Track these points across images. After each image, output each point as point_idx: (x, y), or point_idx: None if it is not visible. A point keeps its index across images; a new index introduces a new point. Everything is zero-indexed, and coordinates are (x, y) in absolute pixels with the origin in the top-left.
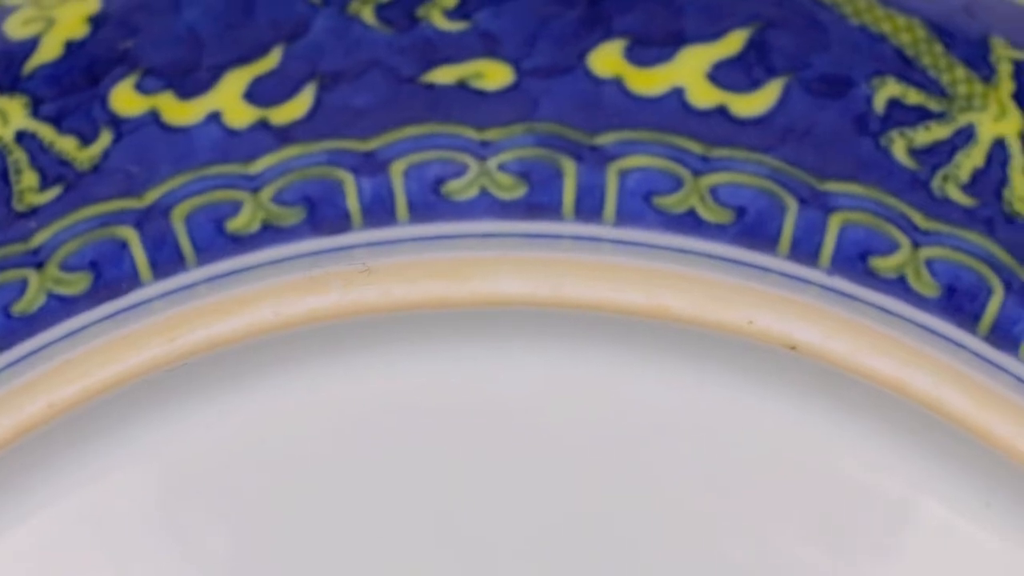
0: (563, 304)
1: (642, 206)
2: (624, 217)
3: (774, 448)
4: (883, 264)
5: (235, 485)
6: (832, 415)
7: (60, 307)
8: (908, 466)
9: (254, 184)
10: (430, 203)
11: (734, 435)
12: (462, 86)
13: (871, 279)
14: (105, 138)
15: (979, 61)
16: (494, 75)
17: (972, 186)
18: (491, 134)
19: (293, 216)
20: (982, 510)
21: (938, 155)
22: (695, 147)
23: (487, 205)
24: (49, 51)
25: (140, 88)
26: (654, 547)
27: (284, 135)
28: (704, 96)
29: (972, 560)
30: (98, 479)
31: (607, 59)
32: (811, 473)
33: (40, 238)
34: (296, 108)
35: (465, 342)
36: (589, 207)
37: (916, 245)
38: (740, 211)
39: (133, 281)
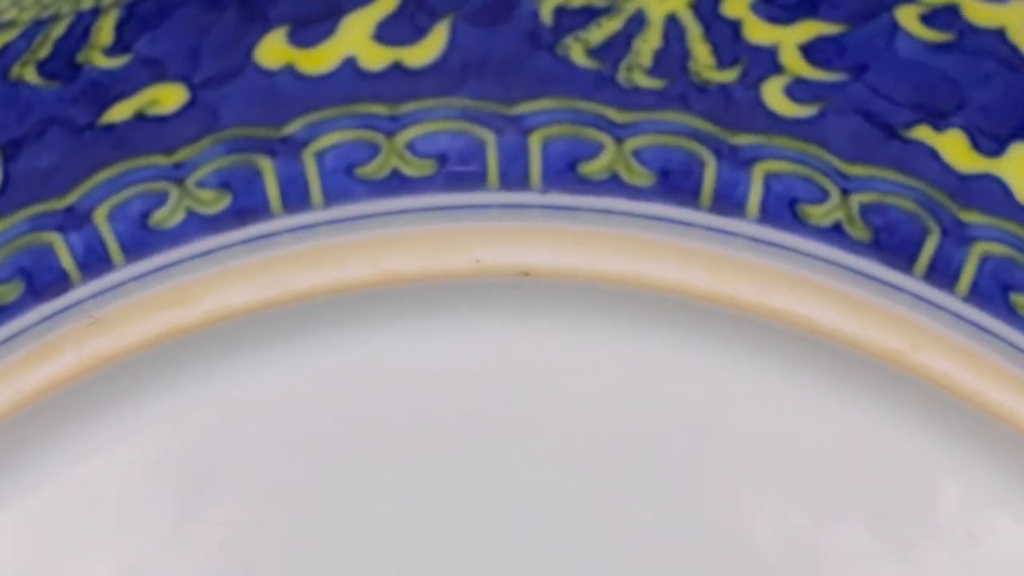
0: (291, 299)
1: (346, 181)
2: (332, 196)
3: (528, 373)
4: (592, 167)
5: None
6: (574, 329)
7: None
8: (663, 354)
9: None
10: (142, 239)
11: (487, 373)
12: (141, 117)
13: (584, 185)
14: None
15: None
16: (168, 98)
17: (657, 68)
18: (181, 155)
19: (13, 291)
20: (748, 371)
21: (616, 48)
22: (381, 109)
23: (197, 224)
24: None
25: None
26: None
27: None
28: (376, 58)
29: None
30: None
31: (273, 50)
32: (566, 387)
33: None
34: None
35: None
36: (295, 197)
37: (619, 140)
38: (441, 157)
39: None
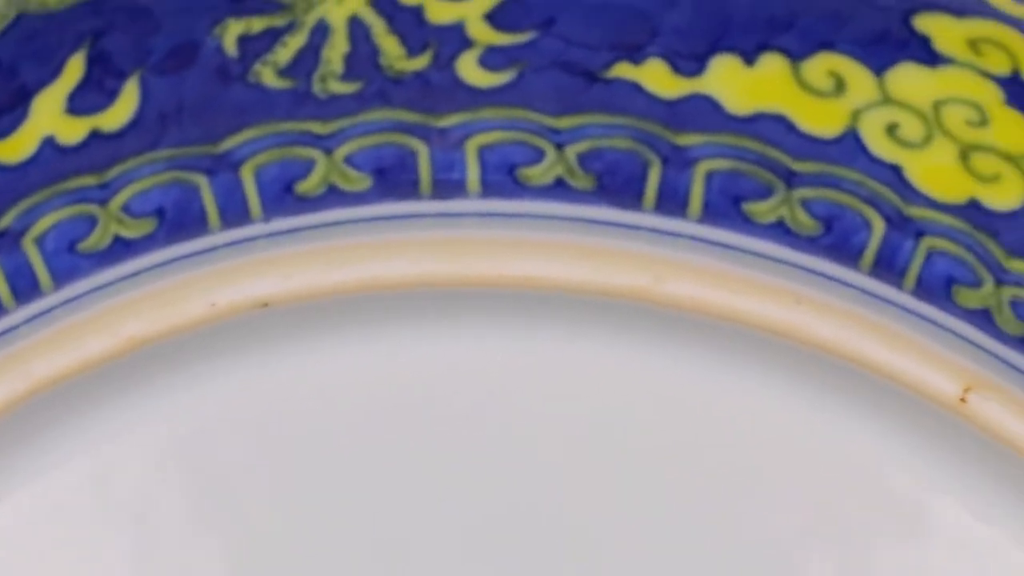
0: (39, 389)
1: (71, 259)
2: (60, 277)
3: (285, 401)
4: (308, 185)
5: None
6: (321, 348)
7: None
8: (417, 350)
9: None
10: None
11: (243, 411)
12: None
13: (304, 204)
14: None
15: None
16: None
17: (350, 72)
18: None
19: None
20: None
21: (306, 62)
22: (90, 180)
23: None
24: None
25: None
26: None
27: None
28: (73, 131)
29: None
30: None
31: None
32: (326, 406)
33: None
34: None
35: None
36: (24, 286)
37: (328, 151)
38: (159, 212)
39: None
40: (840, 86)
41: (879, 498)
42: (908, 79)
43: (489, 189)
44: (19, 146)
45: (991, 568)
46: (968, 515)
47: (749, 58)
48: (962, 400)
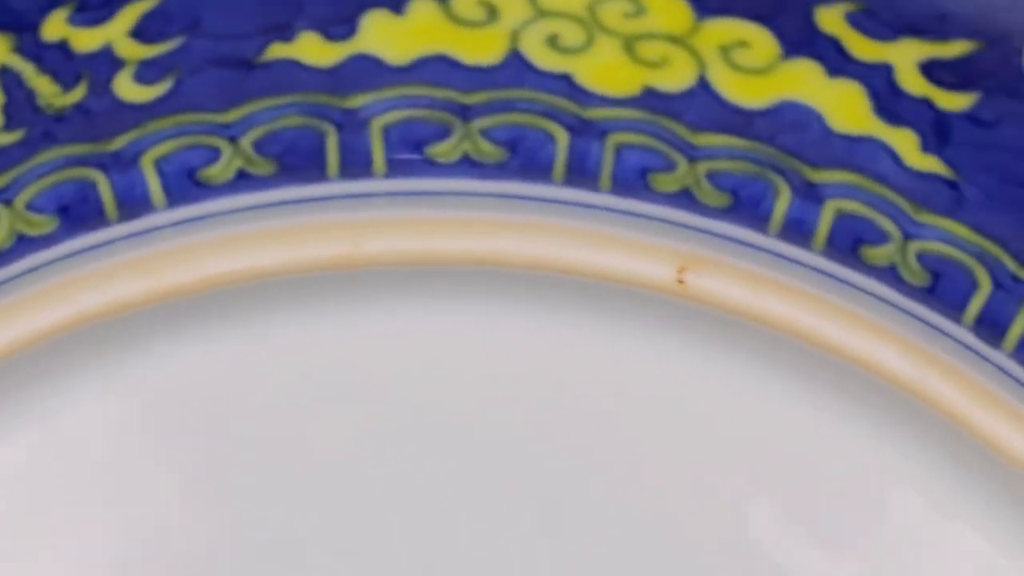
0: None
1: None
2: None
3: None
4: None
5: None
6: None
7: None
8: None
9: None
10: None
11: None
12: None
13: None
14: None
15: None
16: None
17: (12, 121)
18: None
19: None
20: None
21: None
22: None
23: None
24: None
25: None
26: None
27: None
28: None
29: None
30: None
31: None
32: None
33: None
34: None
35: None
36: None
37: (8, 203)
38: None
39: None
40: (493, 12)
41: (621, 392)
42: None
43: (173, 198)
44: None
45: (743, 436)
46: (708, 385)
47: (398, 8)
48: (679, 282)
